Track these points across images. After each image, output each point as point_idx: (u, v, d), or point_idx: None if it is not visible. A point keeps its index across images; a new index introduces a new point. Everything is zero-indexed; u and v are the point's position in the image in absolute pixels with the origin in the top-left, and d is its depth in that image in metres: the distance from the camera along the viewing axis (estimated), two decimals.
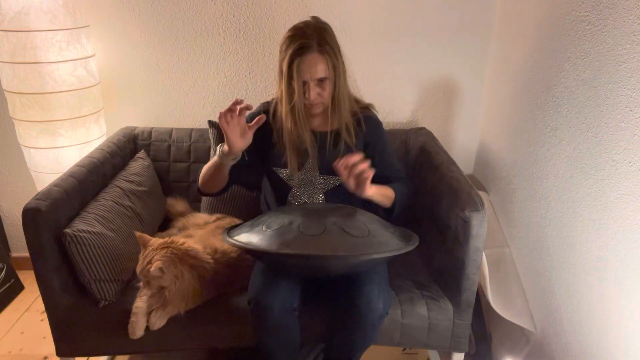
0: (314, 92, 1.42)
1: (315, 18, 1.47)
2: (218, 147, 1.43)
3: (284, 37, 1.42)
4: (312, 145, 1.52)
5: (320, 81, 1.41)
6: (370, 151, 1.55)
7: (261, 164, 1.61)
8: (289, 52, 1.38)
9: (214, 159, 1.46)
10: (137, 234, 1.42)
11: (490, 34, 1.99)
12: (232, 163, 1.44)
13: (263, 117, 1.38)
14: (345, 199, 1.51)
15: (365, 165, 1.28)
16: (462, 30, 1.98)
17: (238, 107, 1.32)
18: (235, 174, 1.52)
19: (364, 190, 1.33)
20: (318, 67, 1.39)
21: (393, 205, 1.49)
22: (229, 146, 1.37)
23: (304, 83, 1.41)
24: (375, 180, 1.37)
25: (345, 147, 1.52)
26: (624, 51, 1.14)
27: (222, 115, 1.32)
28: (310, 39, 1.38)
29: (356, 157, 1.28)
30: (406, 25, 1.98)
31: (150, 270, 1.31)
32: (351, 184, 1.33)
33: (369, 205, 1.47)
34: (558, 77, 1.43)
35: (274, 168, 1.58)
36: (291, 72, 1.39)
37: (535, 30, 1.60)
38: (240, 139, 1.37)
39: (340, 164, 1.29)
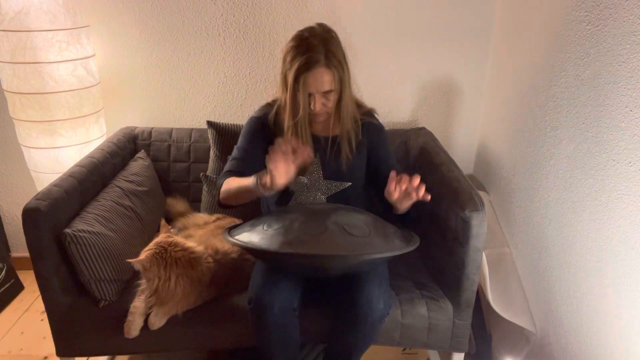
0: (319, 103, 1.41)
1: (321, 26, 1.44)
2: (255, 177, 1.32)
3: (289, 46, 1.40)
4: (312, 156, 1.50)
5: (326, 92, 1.40)
6: (374, 157, 1.58)
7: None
8: (295, 65, 1.36)
9: (245, 184, 1.36)
10: (163, 222, 1.50)
11: (490, 34, 1.99)
12: (267, 195, 1.35)
13: (311, 155, 1.32)
14: (348, 203, 1.51)
15: (421, 186, 1.28)
16: (462, 30, 1.99)
17: (293, 148, 1.26)
18: None
19: (406, 204, 1.34)
20: (325, 81, 1.37)
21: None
22: (272, 184, 1.25)
23: (310, 94, 1.40)
24: (379, 185, 1.44)
25: (348, 151, 1.52)
26: (624, 51, 1.14)
27: (271, 158, 1.23)
28: (317, 53, 1.35)
29: (417, 179, 1.28)
30: (406, 25, 1.98)
31: (132, 260, 1.35)
32: (396, 196, 1.31)
33: (373, 206, 1.47)
34: (558, 77, 1.43)
35: None
36: (297, 86, 1.38)
37: (535, 30, 1.60)
38: (285, 177, 1.26)
39: (397, 181, 1.30)
